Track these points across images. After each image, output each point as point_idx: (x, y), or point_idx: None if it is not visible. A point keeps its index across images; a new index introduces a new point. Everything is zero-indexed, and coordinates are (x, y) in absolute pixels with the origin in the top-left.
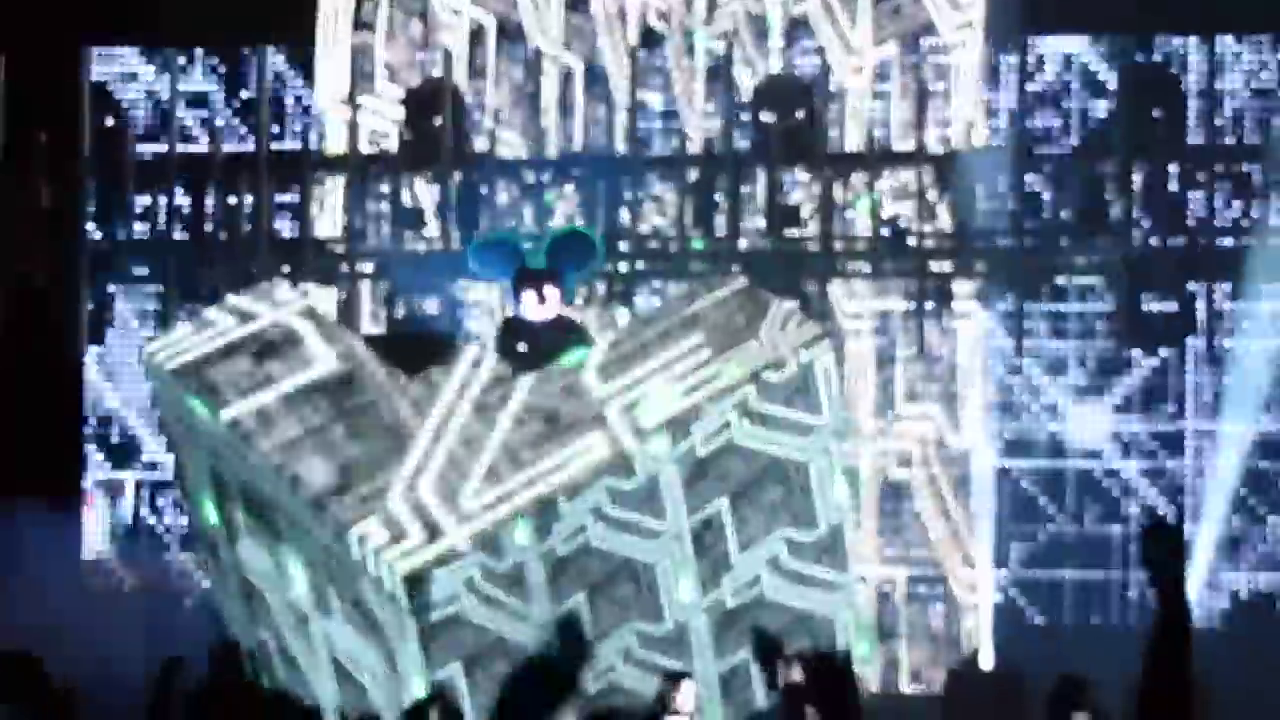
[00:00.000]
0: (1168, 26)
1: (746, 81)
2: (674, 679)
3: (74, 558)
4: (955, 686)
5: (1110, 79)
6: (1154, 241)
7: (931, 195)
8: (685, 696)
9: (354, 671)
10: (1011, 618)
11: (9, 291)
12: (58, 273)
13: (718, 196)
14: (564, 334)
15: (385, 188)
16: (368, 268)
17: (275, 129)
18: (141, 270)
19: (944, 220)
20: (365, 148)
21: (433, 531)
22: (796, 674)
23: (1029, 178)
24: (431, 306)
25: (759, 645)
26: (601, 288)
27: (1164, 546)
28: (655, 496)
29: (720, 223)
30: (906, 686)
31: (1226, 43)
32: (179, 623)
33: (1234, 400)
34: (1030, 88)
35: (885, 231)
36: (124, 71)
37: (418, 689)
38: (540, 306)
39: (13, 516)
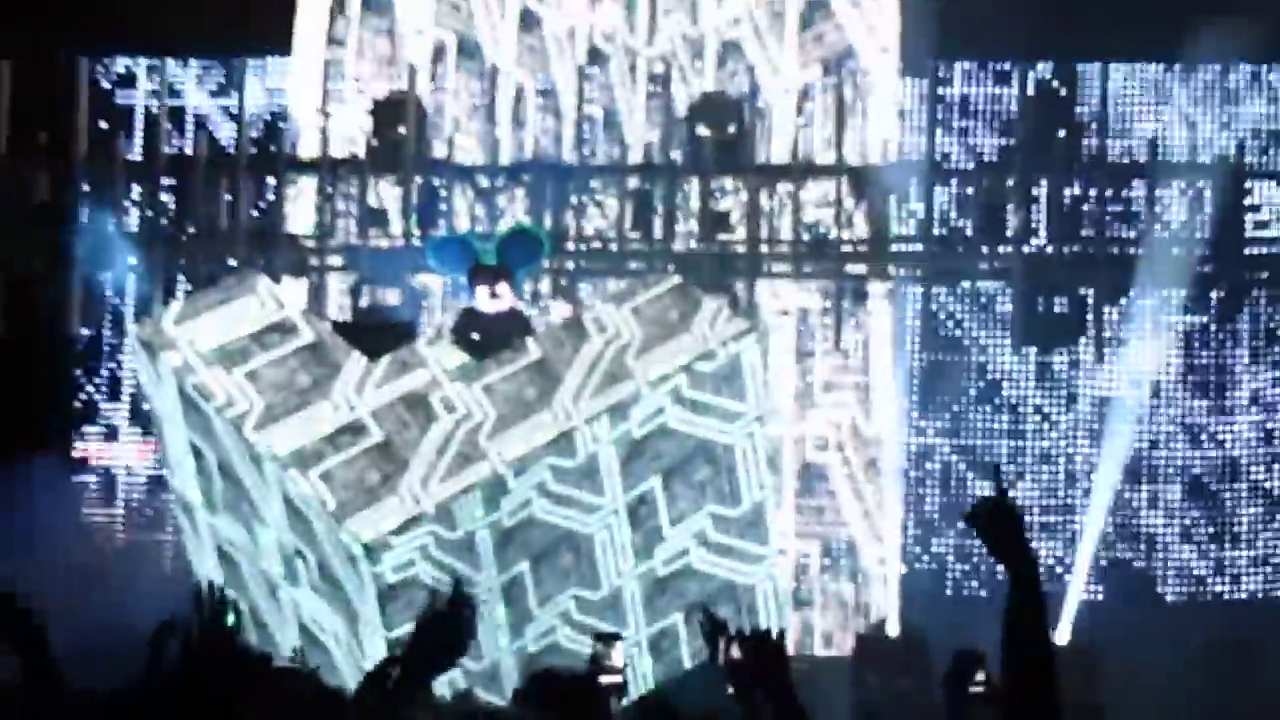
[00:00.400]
0: (1066, 55)
1: (683, 98)
2: (607, 639)
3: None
4: (863, 650)
5: (1012, 101)
6: (1049, 249)
7: (849, 204)
8: (617, 655)
9: (319, 635)
10: (915, 588)
11: (10, 276)
12: (53, 260)
13: (655, 202)
14: (512, 324)
15: (353, 188)
16: (336, 261)
17: (253, 133)
18: (129, 259)
19: (860, 227)
20: (335, 152)
21: (392, 502)
22: (735, 651)
23: (937, 189)
24: (393, 297)
25: (703, 628)
26: (547, 284)
27: (987, 521)
28: (594, 474)
29: (657, 226)
30: (820, 650)
31: (1117, 70)
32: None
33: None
34: (939, 108)
35: (806, 236)
36: (118, 77)
37: (378, 648)
38: (492, 300)
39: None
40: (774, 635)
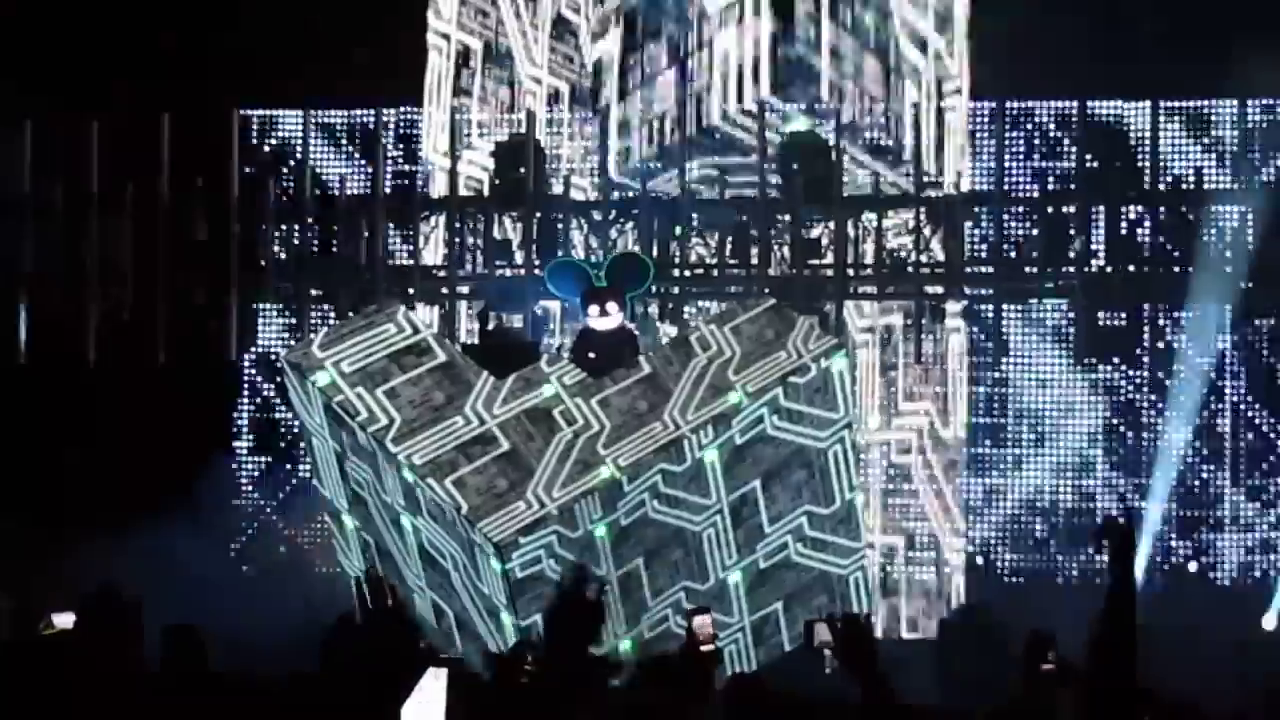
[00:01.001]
0: (1120, 92)
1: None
2: (694, 612)
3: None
4: (946, 633)
5: (1072, 134)
6: (1109, 269)
7: (926, 231)
8: (702, 623)
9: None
10: (992, 578)
11: (173, 307)
12: (214, 292)
13: (752, 232)
14: (624, 344)
15: (479, 224)
16: (465, 290)
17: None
18: (280, 289)
19: (937, 251)
20: (463, 191)
21: (520, 506)
22: (825, 634)
23: (1006, 217)
24: (517, 322)
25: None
26: (656, 307)
27: (1116, 541)
28: (700, 477)
29: (754, 254)
30: (906, 634)
31: (1168, 106)
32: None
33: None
34: (1007, 143)
35: (888, 260)
36: (270, 127)
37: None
38: (604, 319)
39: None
40: (860, 619)
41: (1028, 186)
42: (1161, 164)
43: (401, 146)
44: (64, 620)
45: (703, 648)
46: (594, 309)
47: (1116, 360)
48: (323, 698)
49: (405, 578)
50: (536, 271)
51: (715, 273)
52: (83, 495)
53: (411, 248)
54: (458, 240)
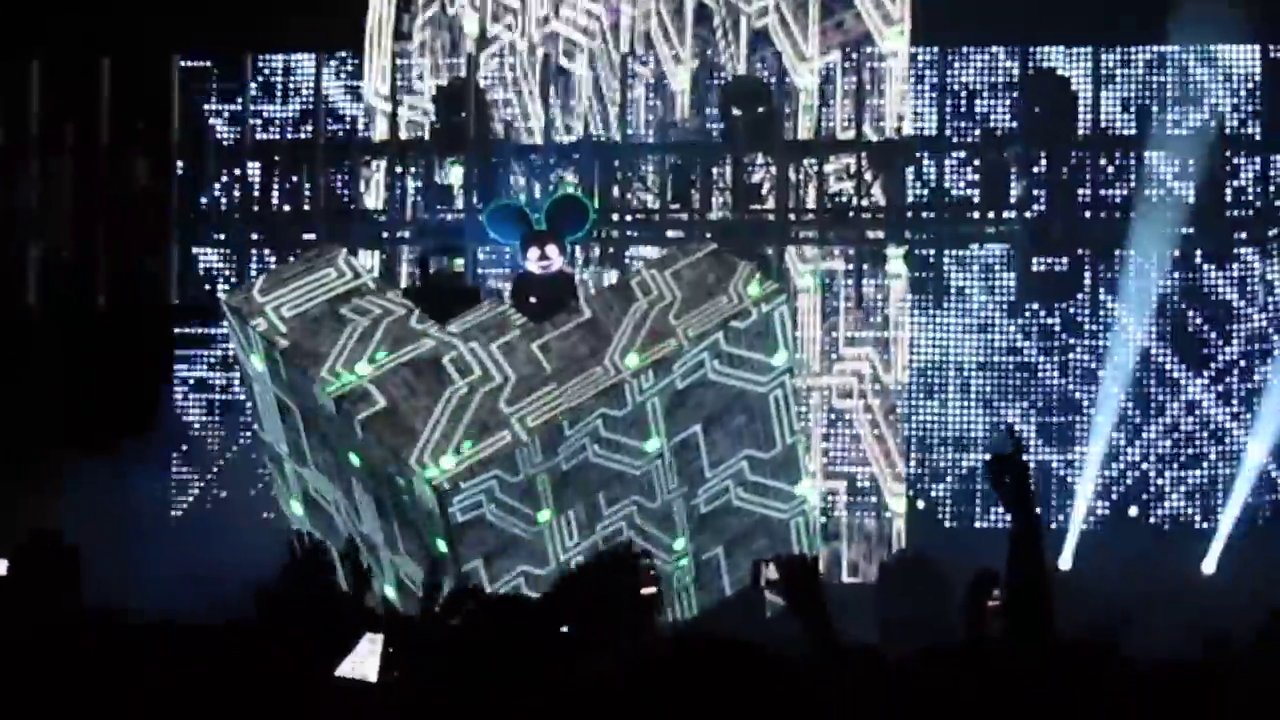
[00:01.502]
0: (1061, 40)
1: (717, 82)
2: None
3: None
4: (886, 576)
5: (1014, 79)
6: (1049, 215)
7: (868, 176)
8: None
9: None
10: (932, 522)
11: (113, 251)
12: (153, 237)
13: (693, 176)
14: (563, 288)
15: (420, 168)
16: (406, 234)
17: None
18: (219, 235)
19: (878, 196)
20: (404, 136)
21: (461, 450)
22: (772, 573)
23: (947, 162)
24: (457, 267)
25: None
26: (597, 251)
27: (1003, 473)
28: (642, 422)
29: (695, 198)
30: (846, 578)
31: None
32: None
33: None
34: (948, 87)
35: (830, 205)
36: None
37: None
38: (543, 262)
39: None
40: (808, 559)
41: (969, 132)
42: (1102, 110)
43: (342, 91)
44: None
45: (643, 590)
46: (533, 252)
47: (1058, 305)
48: (257, 649)
49: (336, 523)
50: (477, 216)
51: (656, 217)
52: (20, 439)
53: (351, 192)
54: (398, 185)
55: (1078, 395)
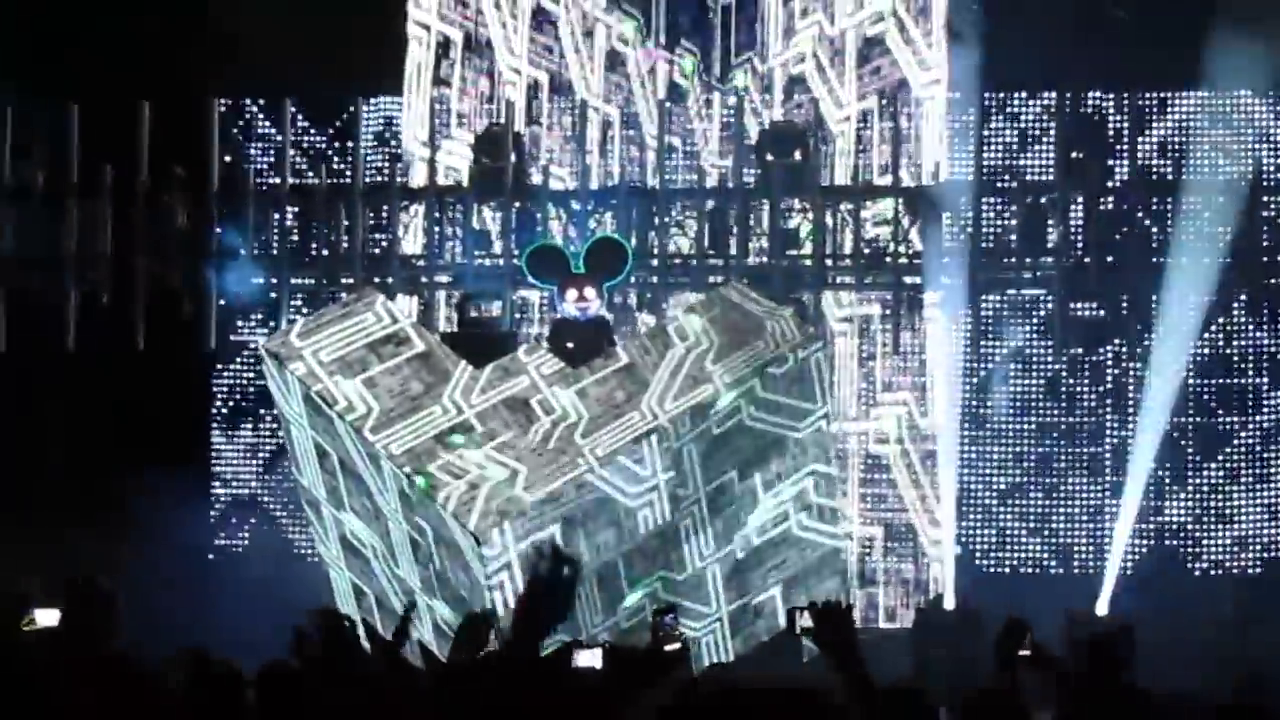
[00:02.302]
0: (1098, 86)
1: (754, 128)
2: (660, 611)
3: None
4: (922, 621)
5: (1051, 125)
6: (1087, 259)
7: (905, 221)
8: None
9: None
10: (969, 567)
11: (151, 293)
12: (191, 279)
13: (730, 222)
14: (599, 333)
15: (459, 214)
16: (444, 279)
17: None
18: (258, 279)
19: (915, 241)
20: (442, 181)
21: (499, 497)
22: (807, 620)
23: (984, 207)
24: (495, 311)
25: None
26: (634, 297)
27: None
28: (680, 468)
29: (732, 244)
30: (884, 623)
31: (1146, 98)
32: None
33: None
34: (985, 134)
35: (866, 250)
36: (246, 115)
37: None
38: (581, 304)
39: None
40: (842, 606)
41: (1006, 177)
42: (1139, 154)
43: (381, 137)
44: (48, 617)
45: (666, 647)
46: (571, 294)
47: (1096, 349)
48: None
49: (373, 566)
50: (515, 261)
51: (694, 263)
52: (61, 482)
53: (390, 237)
54: (436, 230)
55: (1118, 438)
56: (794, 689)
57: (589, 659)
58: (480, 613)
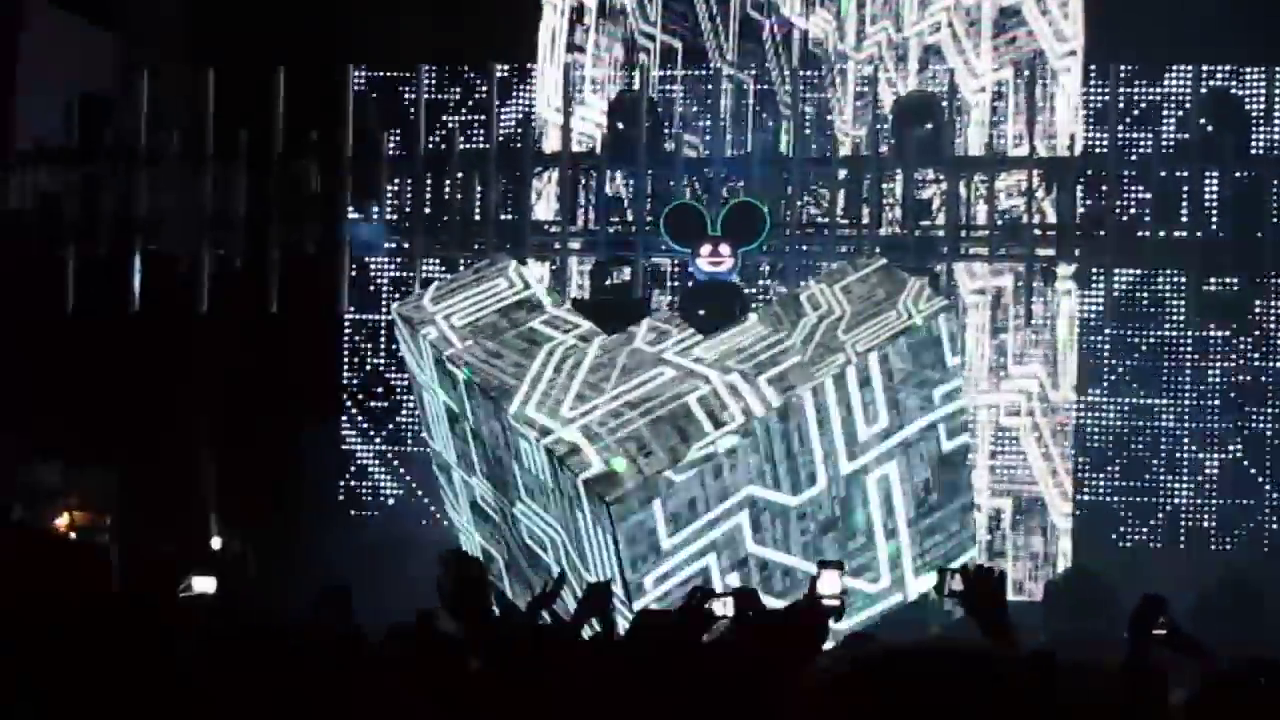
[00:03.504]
0: (1236, 58)
1: (888, 97)
2: (826, 565)
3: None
4: (1052, 595)
5: (1187, 98)
6: (1221, 235)
7: (1039, 193)
8: (828, 582)
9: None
10: (1100, 541)
11: (287, 258)
12: (325, 244)
13: (864, 192)
14: (732, 300)
15: (592, 180)
16: (576, 245)
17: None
18: (392, 244)
19: (1049, 213)
20: (575, 147)
21: (632, 465)
22: (958, 583)
23: (1119, 179)
24: (627, 278)
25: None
26: (767, 266)
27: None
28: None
29: (865, 213)
30: (1012, 596)
31: None
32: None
33: None
34: (1121, 105)
35: (1000, 222)
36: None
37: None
38: (714, 259)
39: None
40: (995, 571)
41: (1142, 150)
42: (1276, 129)
43: (515, 102)
44: (204, 584)
45: (825, 602)
46: (705, 249)
47: (1229, 325)
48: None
49: (503, 531)
50: (647, 228)
51: (826, 232)
52: (195, 444)
53: (523, 204)
54: (569, 196)
55: (1253, 415)
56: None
57: (720, 608)
58: (603, 582)
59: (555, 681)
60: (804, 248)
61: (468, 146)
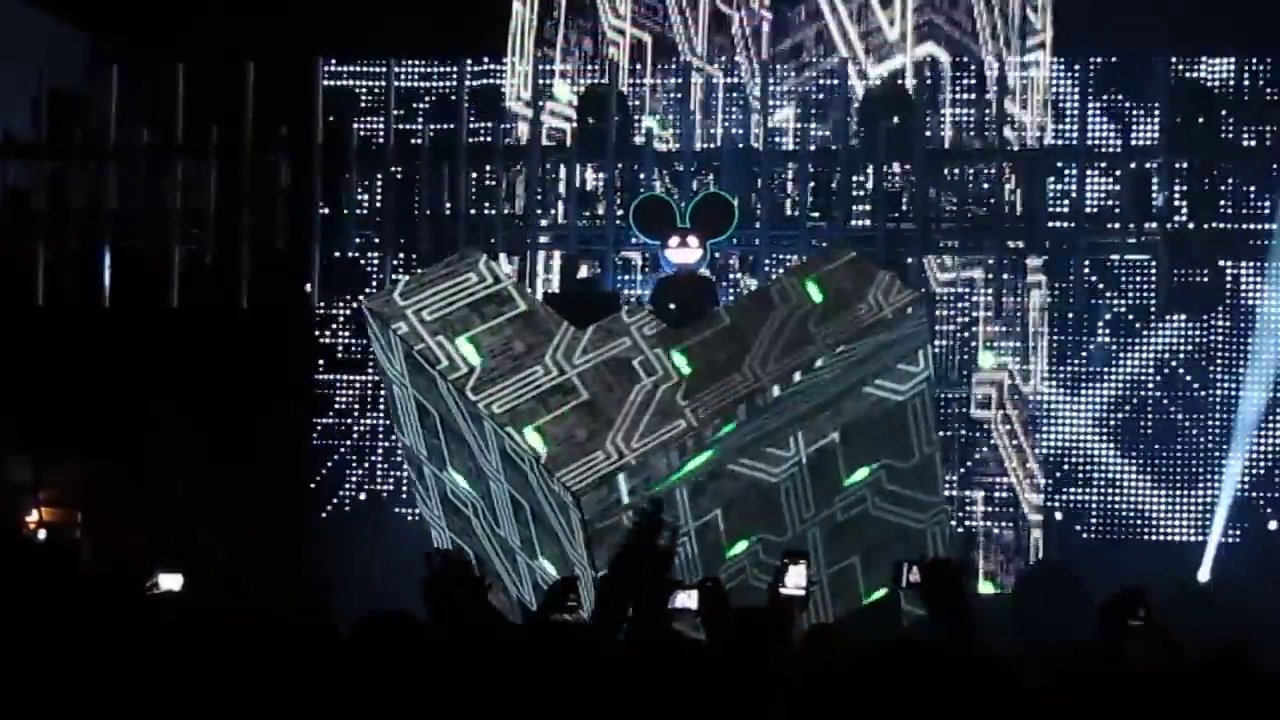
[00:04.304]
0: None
1: (858, 90)
2: (792, 556)
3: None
4: (1024, 587)
5: (1156, 90)
6: (1190, 225)
7: (1009, 185)
8: (795, 575)
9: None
10: (1069, 533)
11: (256, 253)
12: (295, 238)
13: (833, 184)
14: (702, 294)
15: (562, 173)
16: (547, 239)
17: (471, 124)
18: (360, 238)
19: (1018, 206)
20: (545, 140)
21: (599, 456)
22: (916, 575)
23: (1089, 172)
24: (598, 272)
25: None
26: (736, 259)
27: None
28: (780, 430)
29: (834, 206)
30: (983, 588)
31: (1252, 60)
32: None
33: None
34: (1090, 98)
35: (970, 215)
36: (351, 73)
37: (586, 585)
38: (683, 250)
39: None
40: (952, 562)
41: (1110, 141)
42: (1245, 119)
43: (484, 97)
44: (171, 581)
45: (787, 591)
46: (674, 240)
47: (1199, 317)
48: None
49: (474, 525)
50: (618, 222)
51: (796, 225)
52: (165, 439)
53: (493, 197)
54: (540, 189)
55: (1219, 407)
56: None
57: (685, 600)
58: (569, 576)
59: (534, 680)
60: (774, 241)
61: (437, 139)
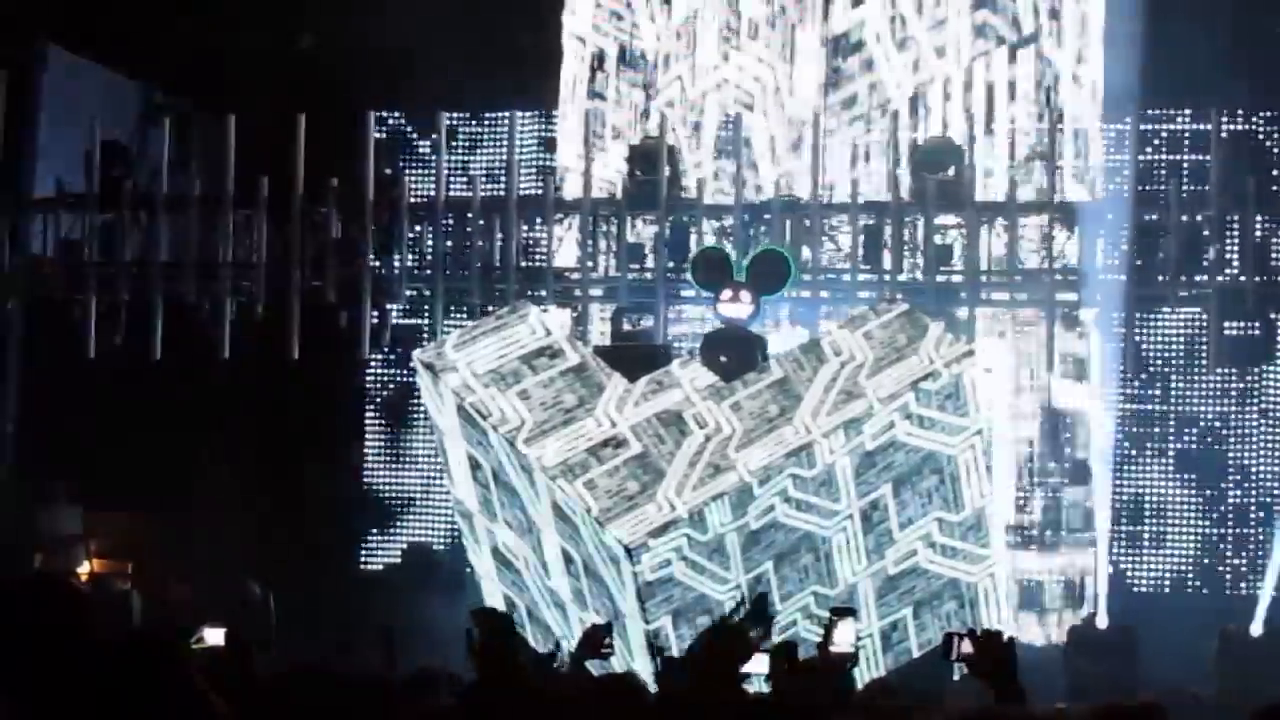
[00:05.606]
0: (1260, 105)
1: (908, 144)
2: (839, 613)
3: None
4: (1076, 638)
5: (1208, 145)
6: (1242, 279)
7: (1059, 238)
8: (844, 631)
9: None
10: (1123, 585)
11: (306, 305)
12: (345, 290)
13: (884, 237)
14: (753, 347)
15: (612, 226)
16: (598, 292)
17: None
18: (412, 290)
19: (1069, 258)
20: (596, 193)
21: (650, 508)
22: (967, 646)
23: (1140, 224)
24: (648, 325)
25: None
26: (787, 311)
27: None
28: (831, 482)
29: (886, 258)
30: (1037, 640)
31: None
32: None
33: None
34: (1142, 151)
35: (1021, 267)
36: (401, 129)
37: (638, 640)
38: (734, 304)
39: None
40: (1003, 635)
41: (1163, 195)
42: None
43: (536, 150)
44: (215, 636)
45: (835, 649)
46: (726, 294)
47: (1251, 370)
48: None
49: (524, 578)
50: (669, 274)
51: (847, 277)
52: (211, 487)
53: (544, 250)
54: (590, 242)
55: (1272, 460)
56: None
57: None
58: (603, 622)
59: None
60: (824, 293)
61: (489, 193)
